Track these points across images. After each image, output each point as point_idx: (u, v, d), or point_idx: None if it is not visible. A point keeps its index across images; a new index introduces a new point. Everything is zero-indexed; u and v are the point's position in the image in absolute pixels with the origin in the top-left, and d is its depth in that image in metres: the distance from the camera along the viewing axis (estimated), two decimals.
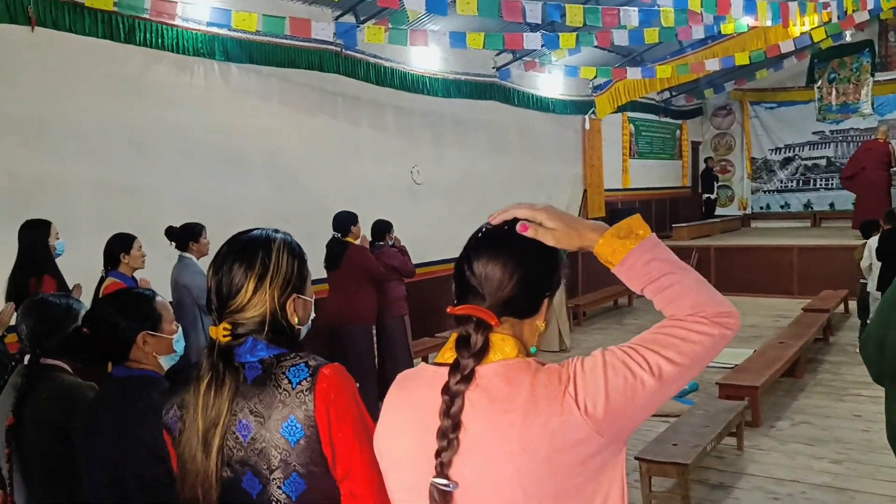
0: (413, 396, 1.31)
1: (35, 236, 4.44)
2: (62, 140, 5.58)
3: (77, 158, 5.65)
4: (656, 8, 5.73)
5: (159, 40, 6.13)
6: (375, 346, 6.24)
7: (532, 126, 11.19)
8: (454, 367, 1.23)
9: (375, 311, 6.24)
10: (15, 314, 4.17)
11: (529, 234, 1.27)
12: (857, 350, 2.92)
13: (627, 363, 1.17)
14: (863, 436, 5.40)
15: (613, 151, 13.50)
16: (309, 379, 1.50)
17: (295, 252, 1.63)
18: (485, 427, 1.19)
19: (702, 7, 5.74)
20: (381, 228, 6.60)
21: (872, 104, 14.63)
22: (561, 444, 1.15)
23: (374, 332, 6.24)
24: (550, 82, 11.08)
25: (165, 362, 2.15)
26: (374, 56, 8.11)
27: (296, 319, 1.60)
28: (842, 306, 9.69)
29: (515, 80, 10.44)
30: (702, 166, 16.87)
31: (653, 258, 1.24)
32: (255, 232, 1.63)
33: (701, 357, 1.18)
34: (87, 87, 5.76)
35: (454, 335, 1.28)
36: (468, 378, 1.21)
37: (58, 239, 4.55)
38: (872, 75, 14.53)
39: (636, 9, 6.12)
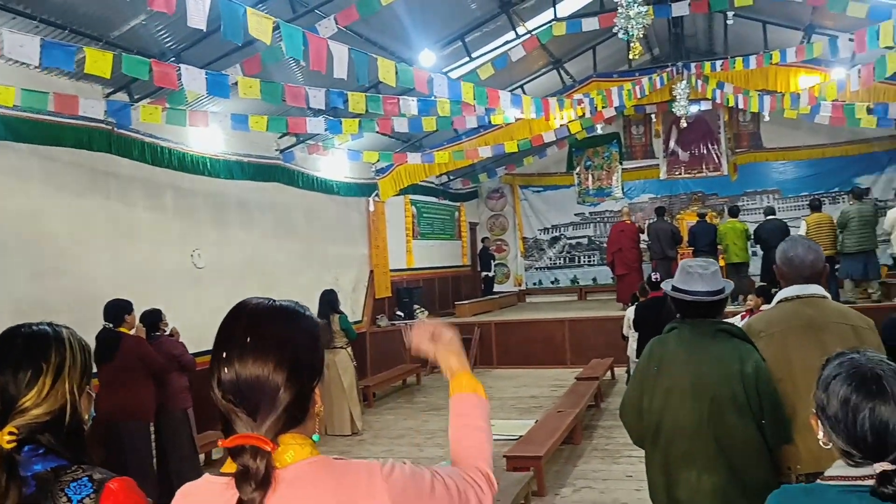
0: None
1: None
2: None
3: None
4: (434, 98, 6.20)
5: None
6: (154, 442, 5.76)
7: (318, 208, 11.23)
8: (242, 477, 1.14)
9: (154, 405, 5.81)
10: None
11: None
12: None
13: (421, 474, 1.25)
14: (636, 495, 5.80)
15: (398, 232, 13.89)
16: (93, 496, 1.36)
17: (83, 344, 1.56)
18: None
19: (474, 99, 6.25)
20: (153, 318, 6.22)
21: (622, 189, 16.48)
22: None
23: (153, 427, 5.78)
24: (334, 165, 11.24)
25: None
26: (151, 136, 7.71)
27: (86, 416, 1.51)
28: (609, 373, 10.54)
29: (300, 163, 10.47)
30: (479, 246, 17.83)
31: (481, 406, 1.49)
32: (35, 327, 1.51)
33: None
34: None
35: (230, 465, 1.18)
36: (265, 483, 1.14)
37: None
38: (621, 163, 16.43)
39: (415, 99, 6.52)
